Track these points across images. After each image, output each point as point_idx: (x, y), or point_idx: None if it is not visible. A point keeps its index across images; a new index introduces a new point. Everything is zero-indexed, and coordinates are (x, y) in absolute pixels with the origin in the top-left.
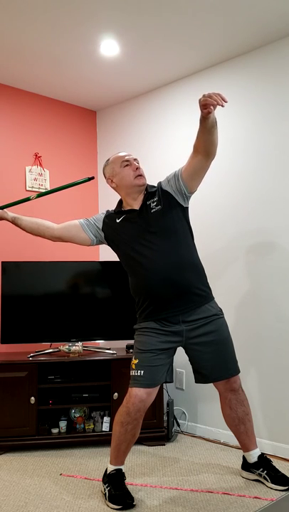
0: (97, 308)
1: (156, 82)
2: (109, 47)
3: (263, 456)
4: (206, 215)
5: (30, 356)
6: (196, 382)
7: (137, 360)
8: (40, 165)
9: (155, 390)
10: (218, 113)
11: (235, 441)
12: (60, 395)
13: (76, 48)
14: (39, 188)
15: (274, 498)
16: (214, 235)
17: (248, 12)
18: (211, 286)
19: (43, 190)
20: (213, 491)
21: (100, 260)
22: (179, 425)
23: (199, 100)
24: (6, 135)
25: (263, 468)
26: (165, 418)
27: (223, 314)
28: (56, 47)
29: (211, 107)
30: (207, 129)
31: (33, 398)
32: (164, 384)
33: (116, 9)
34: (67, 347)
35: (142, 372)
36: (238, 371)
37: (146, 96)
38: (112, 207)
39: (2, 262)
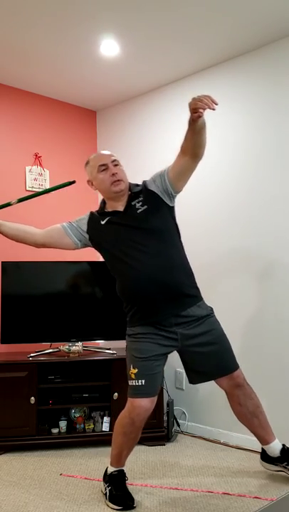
0: (97, 308)
1: (156, 82)
2: (109, 47)
3: (285, 449)
4: (207, 217)
5: (30, 356)
6: (195, 383)
7: (137, 370)
8: (40, 165)
9: (156, 396)
10: (218, 113)
11: (235, 442)
12: (60, 395)
13: (76, 48)
14: (39, 187)
15: (274, 498)
16: (216, 239)
17: (248, 12)
18: (212, 290)
19: (40, 190)
20: (213, 491)
21: (100, 260)
22: (179, 425)
23: (189, 104)
24: (6, 135)
25: (287, 462)
26: (165, 418)
27: (213, 312)
28: (56, 47)
29: (201, 111)
30: (196, 132)
31: (33, 398)
32: (164, 384)
33: (116, 9)
34: (67, 347)
35: (144, 381)
36: (237, 366)
37: (146, 96)
38: None
39: (2, 262)
